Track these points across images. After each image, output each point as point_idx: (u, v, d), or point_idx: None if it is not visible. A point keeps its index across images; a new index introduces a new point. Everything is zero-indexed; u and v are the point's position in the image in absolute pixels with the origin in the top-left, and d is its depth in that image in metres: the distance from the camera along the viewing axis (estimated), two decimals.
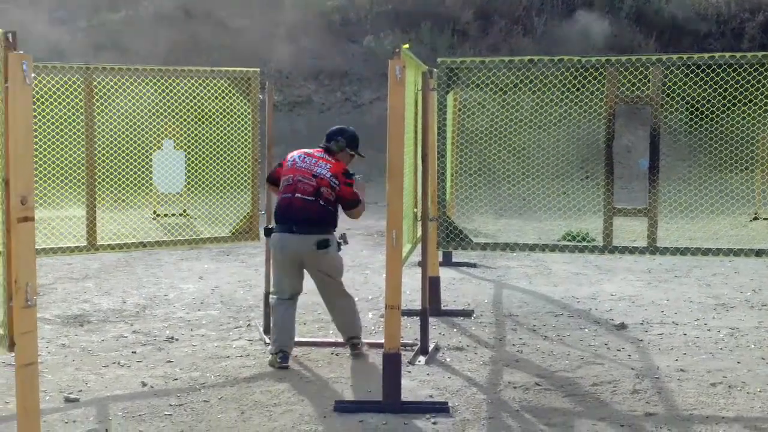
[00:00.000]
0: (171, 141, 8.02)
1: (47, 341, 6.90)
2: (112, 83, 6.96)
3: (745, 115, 8.55)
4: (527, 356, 6.70)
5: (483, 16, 22.90)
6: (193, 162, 7.50)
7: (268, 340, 6.97)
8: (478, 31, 22.65)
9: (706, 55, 6.77)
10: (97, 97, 6.83)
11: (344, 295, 6.54)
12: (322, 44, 22.41)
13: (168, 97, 7.15)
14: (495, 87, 7.93)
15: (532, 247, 7.40)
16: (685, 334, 7.31)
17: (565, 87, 9.00)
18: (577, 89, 7.61)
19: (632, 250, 6.88)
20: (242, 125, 7.29)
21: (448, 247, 7.28)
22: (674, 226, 9.94)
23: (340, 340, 7.02)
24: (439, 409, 5.42)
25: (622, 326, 7.56)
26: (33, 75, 3.71)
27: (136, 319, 7.76)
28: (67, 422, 5.19)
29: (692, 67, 6.81)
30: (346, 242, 6.43)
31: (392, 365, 5.43)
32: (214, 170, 7.40)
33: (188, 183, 7.73)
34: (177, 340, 7.08)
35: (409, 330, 7.20)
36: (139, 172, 7.35)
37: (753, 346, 6.97)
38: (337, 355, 6.65)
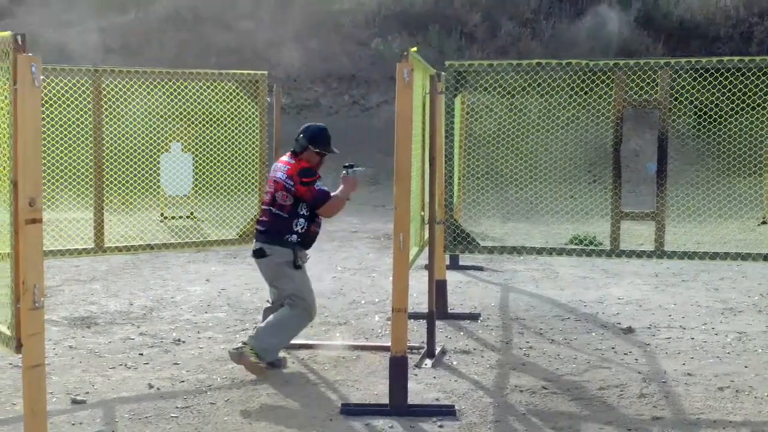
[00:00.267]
0: (179, 143, 8.03)
1: (54, 343, 6.92)
2: (120, 86, 6.97)
3: (753, 119, 8.53)
4: (534, 360, 6.69)
5: (491, 19, 22.89)
6: (200, 164, 7.51)
7: None
8: (486, 34, 22.65)
9: (714, 59, 6.74)
10: (105, 99, 6.84)
11: (288, 308, 6.03)
12: (330, 47, 22.44)
13: (176, 100, 7.17)
14: (503, 90, 7.92)
15: (539, 251, 7.37)
16: (692, 338, 7.29)
17: (572, 90, 8.99)
18: (585, 93, 7.59)
19: (639, 254, 6.86)
20: (250, 128, 7.30)
21: (455, 251, 7.27)
22: (682, 230, 9.91)
23: (347, 342, 7.03)
24: (446, 412, 5.42)
25: (630, 330, 7.54)
26: (42, 77, 3.73)
27: (143, 321, 7.78)
28: (73, 424, 5.20)
29: (700, 71, 6.79)
30: (299, 263, 6.01)
31: (399, 368, 5.43)
32: (222, 173, 7.40)
33: (196, 185, 7.75)
34: (184, 342, 7.10)
35: (416, 333, 7.20)
36: (146, 175, 7.36)
37: (761, 350, 6.94)
38: (343, 357, 6.65)
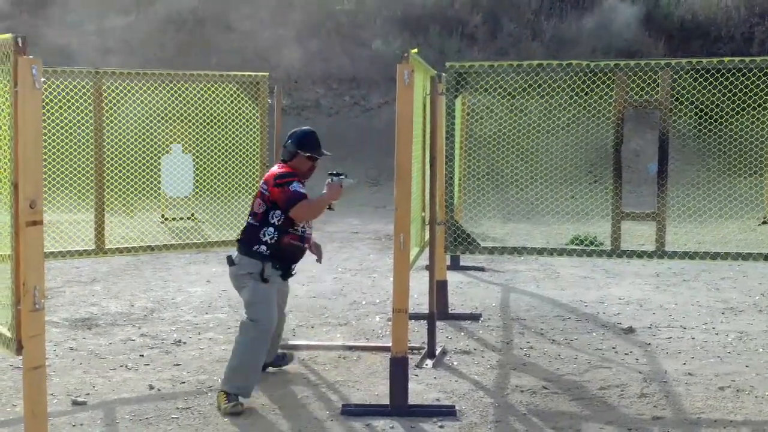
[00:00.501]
0: (179, 145, 8.03)
1: (55, 344, 6.92)
2: (121, 87, 6.98)
3: (754, 119, 8.53)
4: (534, 360, 6.69)
5: (491, 20, 22.90)
6: (201, 166, 7.52)
7: None
8: (487, 34, 22.65)
9: (714, 60, 6.74)
10: (106, 101, 6.85)
11: (243, 331, 5.50)
12: (330, 48, 22.44)
13: (177, 101, 7.18)
14: (503, 91, 7.92)
15: (540, 251, 7.37)
16: (693, 338, 7.29)
17: (573, 91, 8.98)
18: (586, 93, 7.59)
19: (640, 254, 6.86)
20: (251, 129, 7.31)
21: (455, 251, 7.27)
22: (683, 230, 9.91)
23: (348, 343, 7.04)
24: (446, 412, 5.43)
25: (630, 330, 7.55)
26: (42, 79, 3.74)
27: (144, 323, 7.78)
28: (74, 425, 5.21)
29: (701, 71, 6.79)
30: (266, 276, 5.50)
31: (399, 369, 5.43)
32: (223, 174, 7.41)
33: (196, 187, 7.75)
34: (184, 343, 7.10)
35: (417, 334, 7.20)
36: (147, 176, 7.37)
37: (761, 350, 6.95)
38: (344, 358, 6.65)
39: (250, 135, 7.32)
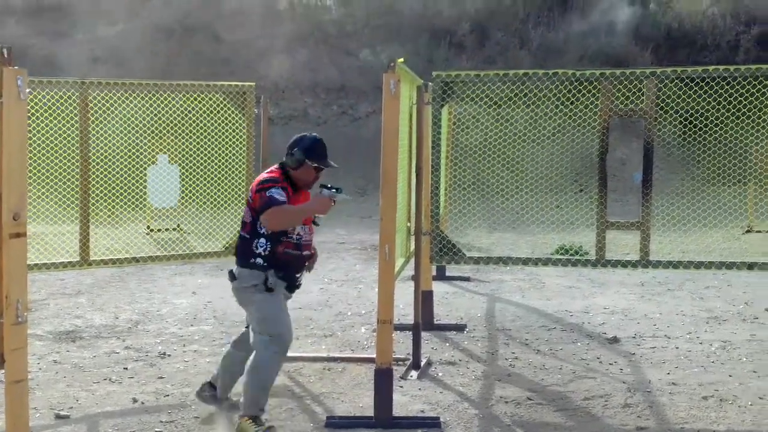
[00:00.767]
0: (166, 155, 8.03)
1: (39, 357, 6.90)
2: (107, 98, 6.98)
3: (738, 128, 8.57)
4: (519, 370, 6.70)
5: (479, 29, 22.99)
6: (187, 176, 7.51)
7: None
8: (475, 43, 22.74)
9: (699, 69, 6.78)
10: (92, 111, 6.84)
11: (259, 349, 5.15)
12: (318, 57, 22.49)
13: (164, 111, 7.18)
14: (489, 100, 7.95)
15: (525, 261, 7.39)
16: (677, 348, 7.32)
17: (559, 100, 9.03)
18: (572, 102, 7.63)
19: (625, 264, 6.90)
20: (237, 139, 7.31)
21: (441, 261, 7.29)
22: (667, 239, 9.96)
23: (333, 354, 7.03)
24: (431, 424, 5.42)
25: (615, 340, 7.57)
26: (28, 90, 3.73)
27: (129, 335, 7.76)
28: None
29: (686, 80, 6.83)
30: (270, 285, 5.13)
31: (384, 380, 5.43)
32: (209, 185, 7.41)
33: (183, 198, 7.74)
34: (169, 355, 7.09)
35: (402, 345, 7.20)
36: (133, 187, 7.36)
37: (745, 359, 6.98)
38: (328, 370, 6.65)
39: (237, 145, 7.32)
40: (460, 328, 7.97)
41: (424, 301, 7.51)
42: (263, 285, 5.11)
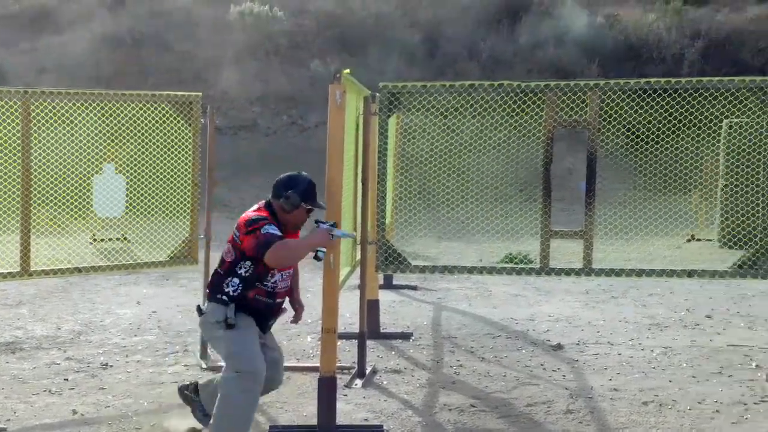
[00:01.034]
0: (112, 165, 7.95)
1: None
2: (51, 107, 6.90)
3: (680, 138, 8.72)
4: (464, 378, 6.74)
5: (430, 41, 23.13)
6: (133, 186, 7.45)
7: (204, 365, 6.93)
8: (425, 55, 22.87)
9: (642, 81, 6.90)
10: (35, 121, 6.76)
11: (227, 386, 4.86)
12: (269, 68, 22.44)
13: (109, 121, 7.12)
14: (436, 111, 8.00)
15: (471, 270, 7.43)
16: (619, 354, 7.41)
17: (505, 112, 9.09)
18: (517, 114, 7.70)
19: (568, 272, 6.98)
20: (183, 149, 7.27)
21: (386, 270, 7.31)
22: (611, 247, 10.06)
23: None
24: None
25: (559, 347, 7.64)
26: None
27: (70, 346, 7.65)
28: None
29: (629, 92, 6.94)
30: (231, 321, 4.88)
31: (327, 389, 5.42)
32: (155, 194, 7.36)
33: (128, 207, 7.67)
34: (111, 366, 7.00)
35: (348, 353, 7.20)
36: (78, 197, 7.28)
37: (685, 364, 7.09)
38: None
39: (183, 155, 7.28)
40: (406, 336, 7.99)
41: (370, 309, 7.52)
42: (224, 321, 4.87)
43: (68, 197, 7.22)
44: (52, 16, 23.52)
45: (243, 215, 5.05)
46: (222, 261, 5.02)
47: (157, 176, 7.32)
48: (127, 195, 7.60)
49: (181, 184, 7.30)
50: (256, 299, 4.94)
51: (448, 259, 11.14)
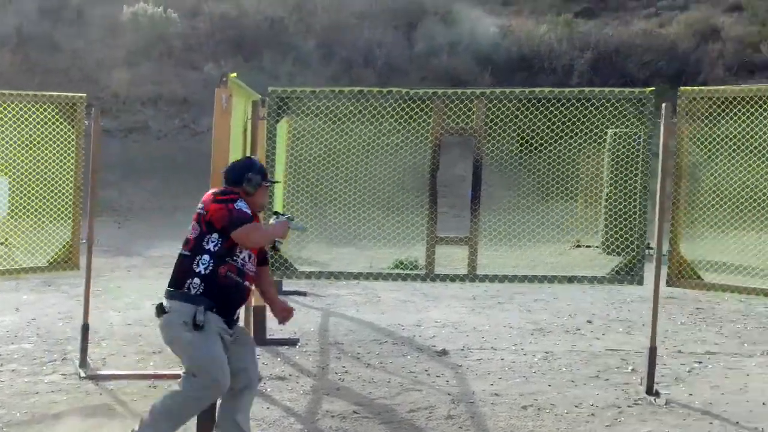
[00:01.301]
0: None
1: None
2: None
3: (568, 146, 8.93)
4: (348, 384, 6.74)
5: (325, 46, 23.16)
6: (16, 189, 7.22)
7: (83, 374, 6.75)
8: (321, 60, 22.88)
9: (527, 90, 7.05)
10: None
11: (184, 388, 4.76)
12: (161, 70, 22.08)
13: None
14: (326, 117, 7.99)
15: (357, 276, 7.48)
16: (502, 359, 7.54)
17: (393, 119, 9.14)
18: (406, 121, 7.76)
19: (453, 278, 7.07)
20: (66, 151, 7.09)
21: (273, 276, 7.27)
22: (496, 253, 10.22)
23: (159, 372, 6.87)
24: None
25: (444, 352, 7.73)
26: None
27: None
28: None
29: (514, 101, 7.08)
30: (199, 322, 4.67)
31: None
32: (37, 198, 7.14)
33: (11, 210, 7.42)
34: None
35: None
36: None
37: (564, 369, 7.26)
38: (154, 387, 6.49)
39: (66, 158, 7.09)
40: (292, 342, 7.95)
41: (257, 316, 7.46)
42: (191, 322, 4.67)
43: None
44: None
45: (206, 194, 4.95)
46: (186, 241, 4.84)
47: (40, 179, 7.11)
48: (9, 198, 7.36)
49: (63, 188, 7.11)
50: (228, 276, 4.77)
51: (339, 264, 11.13)
